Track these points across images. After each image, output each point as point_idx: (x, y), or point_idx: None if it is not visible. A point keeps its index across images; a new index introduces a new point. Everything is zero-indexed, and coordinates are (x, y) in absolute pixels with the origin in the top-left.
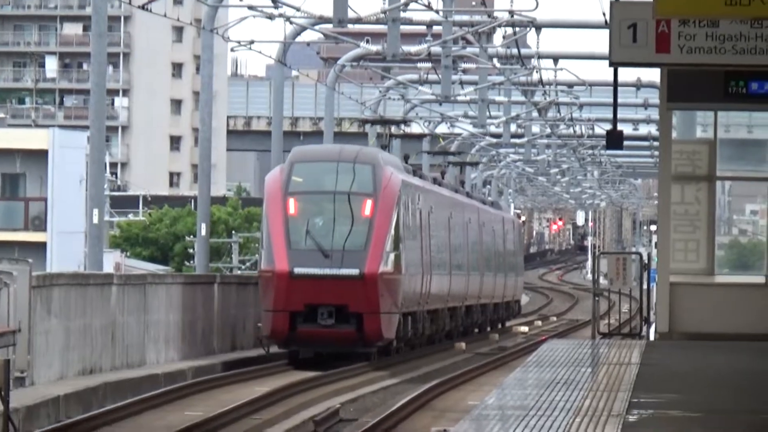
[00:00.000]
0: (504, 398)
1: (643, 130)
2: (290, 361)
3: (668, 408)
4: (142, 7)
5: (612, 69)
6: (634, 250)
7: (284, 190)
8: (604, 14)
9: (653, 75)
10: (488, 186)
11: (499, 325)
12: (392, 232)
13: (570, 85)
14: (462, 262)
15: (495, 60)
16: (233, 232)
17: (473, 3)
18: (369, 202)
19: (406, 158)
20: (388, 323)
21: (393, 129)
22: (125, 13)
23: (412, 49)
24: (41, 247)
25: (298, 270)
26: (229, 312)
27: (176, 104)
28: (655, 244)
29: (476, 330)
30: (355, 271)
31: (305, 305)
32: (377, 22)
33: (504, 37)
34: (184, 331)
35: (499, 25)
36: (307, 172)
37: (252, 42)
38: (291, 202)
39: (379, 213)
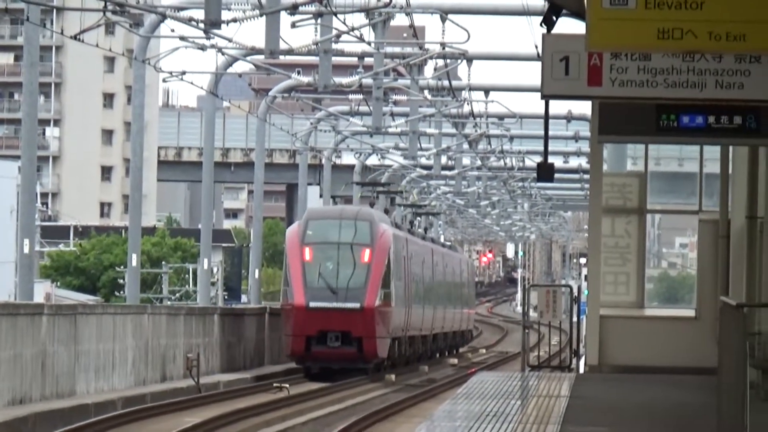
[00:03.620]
0: (433, 430)
1: (574, 162)
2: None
3: None
4: (74, 37)
5: (543, 101)
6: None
7: (301, 241)
8: (536, 47)
9: (584, 108)
10: (419, 218)
11: (454, 351)
12: (384, 274)
13: (501, 117)
14: (431, 297)
15: (426, 92)
16: (162, 262)
17: (405, 35)
18: (367, 251)
19: (386, 212)
20: (382, 345)
21: (323, 161)
22: (57, 43)
23: (344, 80)
24: None
25: (312, 303)
26: (159, 342)
27: (107, 134)
28: (585, 276)
29: (438, 354)
30: (356, 305)
31: (318, 331)
32: (309, 53)
33: (435, 69)
34: (114, 361)
35: (431, 57)
36: (319, 227)
37: (184, 73)
38: (306, 250)
39: (375, 259)
